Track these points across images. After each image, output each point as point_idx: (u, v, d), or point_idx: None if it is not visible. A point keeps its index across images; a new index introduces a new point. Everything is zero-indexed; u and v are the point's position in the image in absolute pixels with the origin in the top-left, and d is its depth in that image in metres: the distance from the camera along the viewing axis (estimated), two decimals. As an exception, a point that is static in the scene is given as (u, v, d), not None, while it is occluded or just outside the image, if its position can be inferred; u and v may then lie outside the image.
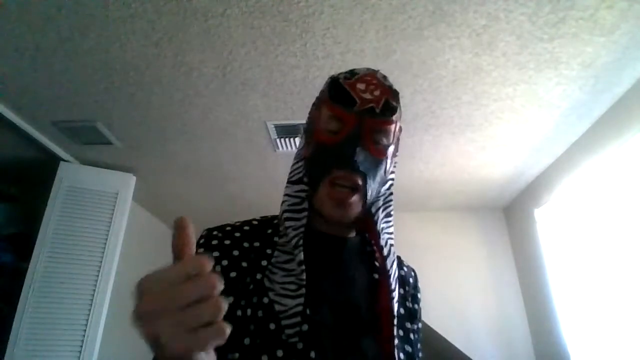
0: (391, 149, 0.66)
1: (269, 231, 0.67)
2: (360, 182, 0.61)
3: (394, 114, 0.64)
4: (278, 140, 2.29)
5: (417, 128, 2.19)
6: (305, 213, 0.64)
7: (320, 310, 0.59)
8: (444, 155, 2.48)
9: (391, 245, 0.68)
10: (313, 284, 0.59)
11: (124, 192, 2.55)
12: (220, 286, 0.33)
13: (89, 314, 2.23)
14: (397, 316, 0.63)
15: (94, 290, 2.28)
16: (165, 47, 1.62)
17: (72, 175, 2.43)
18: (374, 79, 0.64)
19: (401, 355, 0.62)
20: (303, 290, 0.58)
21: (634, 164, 1.90)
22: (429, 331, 2.23)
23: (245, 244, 0.64)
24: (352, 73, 0.65)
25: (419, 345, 0.70)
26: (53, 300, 2.17)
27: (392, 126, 0.64)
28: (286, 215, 0.65)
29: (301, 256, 0.60)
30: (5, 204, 2.69)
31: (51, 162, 2.39)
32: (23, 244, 2.50)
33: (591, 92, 1.89)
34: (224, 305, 0.33)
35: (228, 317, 0.47)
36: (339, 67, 1.73)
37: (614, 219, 2.06)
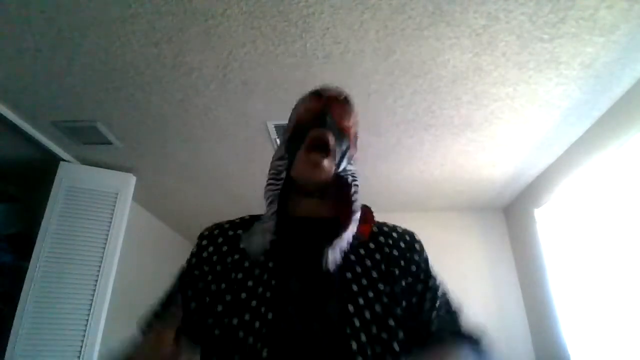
0: (352, 132, 0.81)
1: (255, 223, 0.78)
2: (331, 140, 0.73)
3: (352, 107, 0.81)
4: (278, 140, 2.29)
5: (417, 128, 2.19)
6: (282, 181, 0.75)
7: (287, 280, 0.67)
8: (444, 155, 2.48)
9: (369, 216, 0.79)
10: (282, 258, 0.70)
11: (124, 192, 2.55)
12: None
13: (89, 314, 2.23)
14: (366, 278, 0.69)
15: (94, 290, 2.28)
16: (165, 47, 1.63)
17: (72, 175, 2.43)
18: (336, 88, 0.82)
19: (366, 314, 0.65)
20: (272, 231, 0.71)
21: (634, 164, 1.90)
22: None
23: (230, 232, 0.78)
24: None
25: (437, 304, 0.75)
26: (53, 300, 2.17)
27: (351, 113, 0.81)
28: (268, 185, 0.77)
29: (274, 207, 0.73)
30: (5, 204, 2.69)
31: (51, 162, 2.39)
32: (23, 244, 2.50)
33: (591, 92, 1.89)
34: None
35: (217, 300, 0.69)
36: (339, 67, 1.73)
37: (614, 219, 2.06)
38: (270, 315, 0.64)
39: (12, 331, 2.04)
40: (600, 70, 1.75)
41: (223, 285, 0.70)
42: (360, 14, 1.47)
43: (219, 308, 0.68)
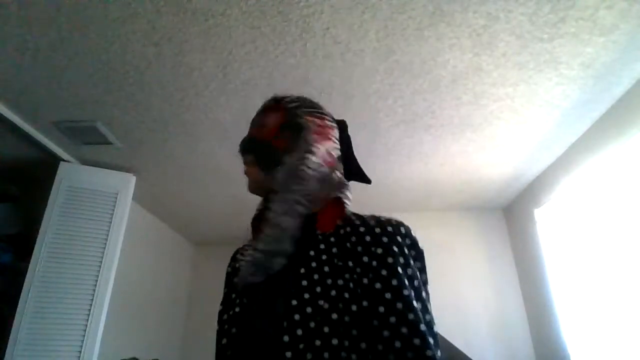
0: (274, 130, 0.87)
1: None
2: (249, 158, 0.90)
3: (272, 110, 0.88)
4: (278, 140, 2.29)
5: (417, 128, 2.19)
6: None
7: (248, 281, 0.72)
8: (443, 155, 2.48)
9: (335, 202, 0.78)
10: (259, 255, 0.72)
11: (124, 192, 2.55)
12: None
13: (89, 314, 2.23)
14: (318, 273, 0.67)
15: (94, 290, 2.28)
16: (165, 47, 1.63)
17: (72, 175, 2.43)
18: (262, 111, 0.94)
19: (308, 309, 0.63)
20: (250, 258, 0.72)
21: (634, 164, 1.90)
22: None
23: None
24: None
25: (422, 295, 0.66)
26: (53, 300, 2.17)
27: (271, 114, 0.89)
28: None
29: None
30: (5, 204, 2.69)
31: (51, 162, 2.39)
32: (23, 244, 2.50)
33: (591, 92, 1.89)
34: None
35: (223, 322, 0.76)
36: (339, 67, 1.73)
37: (614, 219, 2.06)
38: (234, 330, 0.70)
39: (12, 331, 2.04)
40: (600, 70, 1.75)
41: (226, 305, 0.77)
42: (360, 14, 1.47)
43: (226, 326, 0.74)
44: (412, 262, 0.69)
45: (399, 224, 0.72)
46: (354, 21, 1.50)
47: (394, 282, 0.63)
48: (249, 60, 1.70)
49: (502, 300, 3.05)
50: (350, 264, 0.67)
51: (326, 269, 0.67)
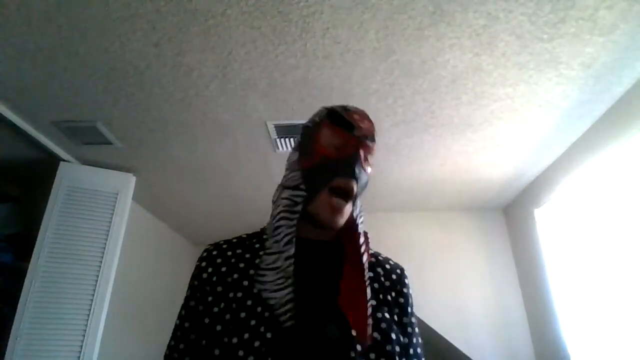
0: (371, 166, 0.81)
1: (257, 245, 0.78)
2: (355, 188, 0.73)
3: (375, 142, 0.81)
4: (278, 140, 2.29)
5: (417, 128, 2.19)
6: (298, 215, 0.73)
7: (304, 303, 0.67)
8: (443, 155, 2.48)
9: (366, 239, 0.79)
10: (299, 279, 0.69)
11: (124, 192, 2.55)
12: None
13: (89, 314, 2.23)
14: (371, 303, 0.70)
15: (94, 290, 2.28)
16: (165, 47, 1.63)
17: (72, 175, 2.43)
18: (364, 114, 0.80)
19: (375, 335, 0.68)
20: (291, 281, 0.67)
21: (634, 164, 1.90)
22: (428, 331, 2.23)
23: (229, 253, 0.77)
24: (345, 107, 0.80)
25: (416, 340, 0.76)
26: (53, 300, 2.17)
27: (375, 149, 0.80)
28: (282, 214, 0.75)
29: (291, 251, 0.70)
30: (5, 204, 2.69)
31: (51, 162, 2.39)
32: (23, 244, 2.50)
33: (591, 92, 1.89)
34: None
35: (217, 321, 0.68)
36: (339, 67, 1.73)
37: (614, 219, 2.07)
38: (269, 335, 0.64)
39: (12, 331, 2.04)
40: (600, 70, 1.75)
41: (222, 305, 0.69)
42: (360, 14, 1.47)
43: (218, 328, 0.68)
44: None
45: (403, 267, 0.84)
46: (354, 21, 1.50)
47: (413, 319, 0.78)
48: (249, 60, 1.70)
49: (502, 300, 3.05)
50: (388, 298, 0.76)
51: (373, 302, 0.72)
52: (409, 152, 2.44)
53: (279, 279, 0.68)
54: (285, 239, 0.72)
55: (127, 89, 1.87)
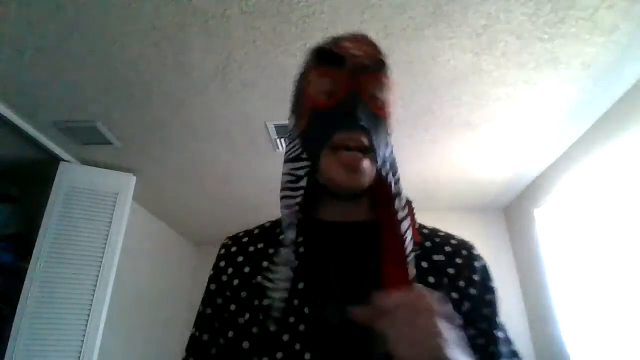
0: (390, 105, 0.61)
1: (277, 230, 0.64)
2: (366, 141, 0.56)
3: (387, 68, 0.60)
4: (278, 140, 2.29)
5: (417, 128, 2.19)
6: (302, 191, 0.59)
7: (325, 307, 0.53)
8: (443, 155, 2.48)
9: (410, 209, 0.62)
10: (317, 277, 0.56)
11: (124, 192, 2.55)
12: None
13: (89, 314, 2.23)
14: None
15: (94, 290, 2.28)
16: (165, 47, 1.63)
17: (72, 175, 2.42)
18: (362, 37, 0.61)
19: None
20: (290, 274, 0.54)
21: (633, 163, 1.90)
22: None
23: (251, 248, 0.63)
24: (335, 37, 0.62)
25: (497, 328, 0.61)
26: (53, 300, 2.17)
27: (387, 80, 0.60)
28: (282, 193, 0.61)
29: (293, 235, 0.57)
30: (5, 204, 2.69)
31: (51, 162, 2.38)
32: (23, 244, 2.50)
33: (591, 92, 1.89)
34: None
35: (231, 324, 0.56)
36: (339, 67, 1.73)
37: (614, 219, 2.06)
38: (308, 356, 0.50)
39: (12, 331, 2.04)
40: (600, 70, 1.75)
41: (247, 316, 0.55)
42: (360, 14, 1.47)
43: (245, 345, 0.54)
44: None
45: (472, 245, 0.72)
46: (354, 21, 1.50)
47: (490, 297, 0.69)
48: (249, 60, 1.70)
49: (502, 300, 3.05)
50: (443, 281, 0.59)
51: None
52: (409, 152, 2.44)
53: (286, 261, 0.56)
54: (287, 220, 0.58)
55: (127, 89, 1.87)
